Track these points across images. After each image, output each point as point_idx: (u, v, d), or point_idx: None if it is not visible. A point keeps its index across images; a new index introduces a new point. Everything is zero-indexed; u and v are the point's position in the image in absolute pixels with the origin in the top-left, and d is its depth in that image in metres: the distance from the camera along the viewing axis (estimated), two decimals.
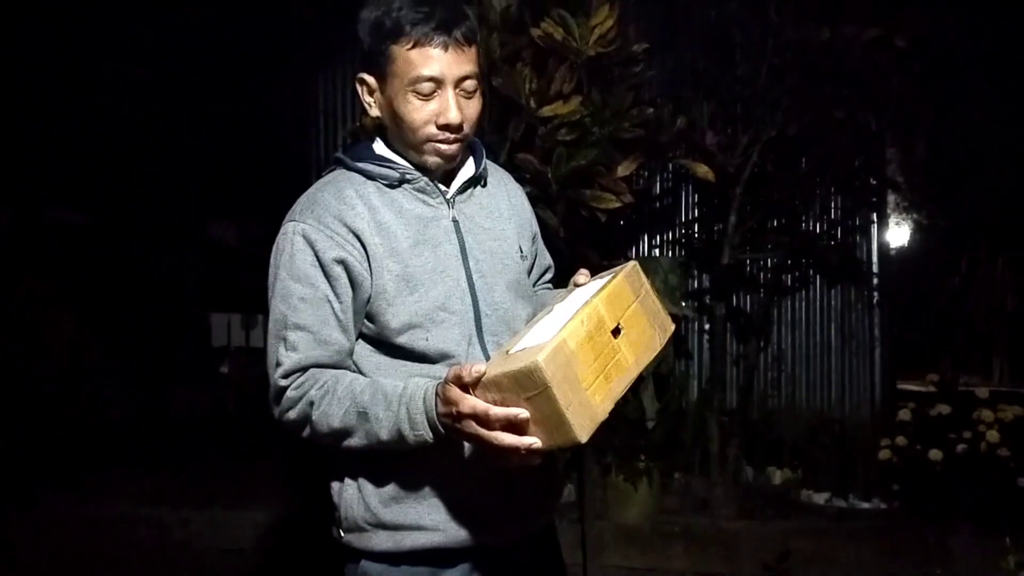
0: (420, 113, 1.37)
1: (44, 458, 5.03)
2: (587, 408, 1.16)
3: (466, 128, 1.40)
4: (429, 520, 1.39)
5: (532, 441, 1.16)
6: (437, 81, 1.35)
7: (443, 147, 1.40)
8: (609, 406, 1.20)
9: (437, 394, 1.24)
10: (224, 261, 6.50)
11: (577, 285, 1.43)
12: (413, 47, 1.34)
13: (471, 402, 1.18)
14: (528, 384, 1.13)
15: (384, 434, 1.30)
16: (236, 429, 5.43)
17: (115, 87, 5.93)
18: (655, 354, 1.32)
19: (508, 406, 1.15)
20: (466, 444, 1.35)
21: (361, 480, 1.41)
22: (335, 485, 1.45)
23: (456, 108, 1.37)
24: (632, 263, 1.37)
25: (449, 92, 1.36)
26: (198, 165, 6.25)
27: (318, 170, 5.79)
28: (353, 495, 1.42)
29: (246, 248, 6.51)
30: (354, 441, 1.33)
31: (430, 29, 1.34)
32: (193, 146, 6.16)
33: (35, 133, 5.89)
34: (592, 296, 1.26)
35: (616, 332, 1.25)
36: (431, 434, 1.27)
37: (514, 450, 1.17)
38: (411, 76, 1.35)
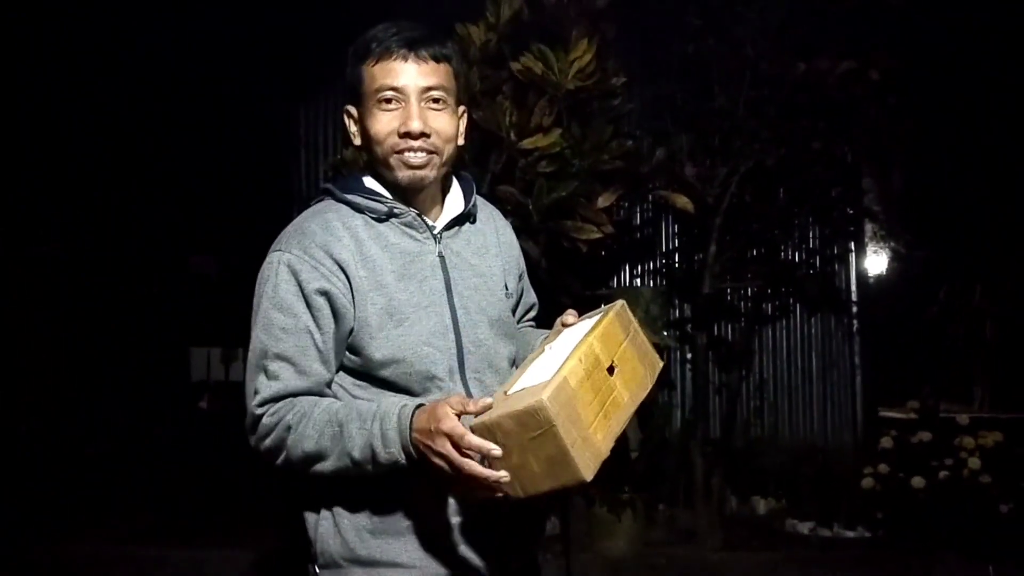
0: (384, 124, 1.39)
1: (19, 495, 4.94)
2: (590, 446, 1.15)
3: (434, 139, 1.40)
4: (406, 556, 1.37)
5: (501, 475, 1.15)
6: (398, 90, 1.38)
7: (408, 156, 1.39)
8: (610, 444, 1.19)
9: (415, 412, 1.24)
10: (204, 294, 6.46)
11: (565, 325, 1.44)
12: (376, 62, 1.38)
13: (453, 423, 1.18)
14: (532, 424, 1.12)
15: (356, 452, 1.28)
16: (215, 465, 5.34)
17: (94, 119, 5.91)
18: (646, 392, 1.33)
19: (511, 448, 1.14)
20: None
21: (338, 513, 1.39)
22: (311, 519, 1.43)
23: (417, 116, 1.38)
24: (620, 302, 1.39)
25: (412, 102, 1.38)
26: (178, 198, 6.23)
27: (299, 203, 5.79)
28: (329, 529, 1.40)
29: (226, 281, 6.47)
30: (327, 464, 1.31)
31: (392, 44, 1.38)
32: (173, 179, 6.15)
33: (14, 165, 5.86)
34: (586, 335, 1.27)
35: (611, 370, 1.26)
36: (402, 454, 1.25)
37: (482, 481, 1.16)
38: (374, 88, 1.38)
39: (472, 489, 1.19)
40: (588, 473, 1.14)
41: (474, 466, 1.16)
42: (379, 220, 1.43)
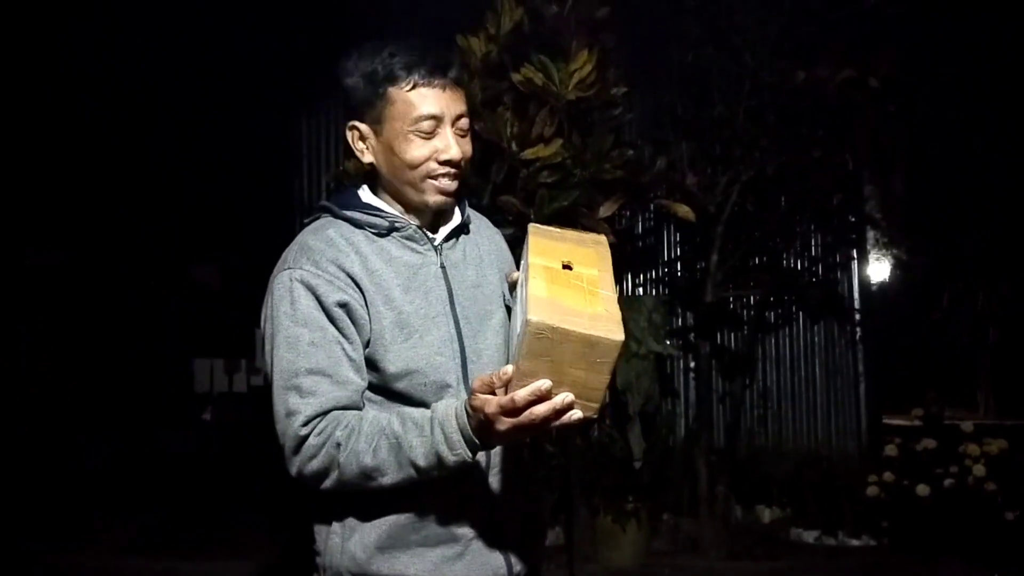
0: (421, 151, 1.39)
1: (22, 507, 4.94)
2: (600, 318, 1.18)
3: (464, 165, 1.43)
4: (414, 570, 1.37)
5: (564, 397, 1.17)
6: (437, 119, 1.39)
7: (445, 183, 1.41)
8: (616, 308, 1.22)
9: (467, 410, 1.25)
10: (207, 306, 6.47)
11: (513, 280, 1.49)
12: (412, 88, 1.38)
13: (495, 400, 1.19)
14: (544, 345, 1.14)
15: (421, 460, 1.28)
16: (219, 477, 5.34)
17: (95, 127, 5.94)
18: (609, 260, 1.37)
19: (550, 380, 1.17)
20: (453, 487, 1.36)
21: (346, 529, 1.39)
22: (320, 533, 1.43)
23: (456, 145, 1.40)
24: (530, 225, 1.45)
25: (448, 130, 1.40)
26: (180, 208, 6.25)
27: (300, 213, 5.77)
28: (337, 544, 1.40)
29: (229, 292, 6.49)
30: (388, 477, 1.30)
31: (427, 71, 1.38)
32: (176, 189, 6.17)
33: (15, 174, 5.88)
34: (525, 265, 1.33)
35: (568, 268, 1.31)
36: (469, 452, 1.26)
37: (554, 415, 1.17)
38: (412, 116, 1.38)
39: (553, 425, 1.20)
40: (618, 334, 1.16)
41: (537, 410, 1.17)
42: (380, 235, 1.43)
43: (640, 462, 4.37)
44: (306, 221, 1.49)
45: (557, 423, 1.19)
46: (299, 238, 1.44)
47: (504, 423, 1.19)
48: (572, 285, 1.26)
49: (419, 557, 1.37)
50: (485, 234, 1.61)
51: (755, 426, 5.03)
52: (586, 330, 1.14)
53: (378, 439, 1.30)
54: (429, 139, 1.39)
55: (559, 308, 1.18)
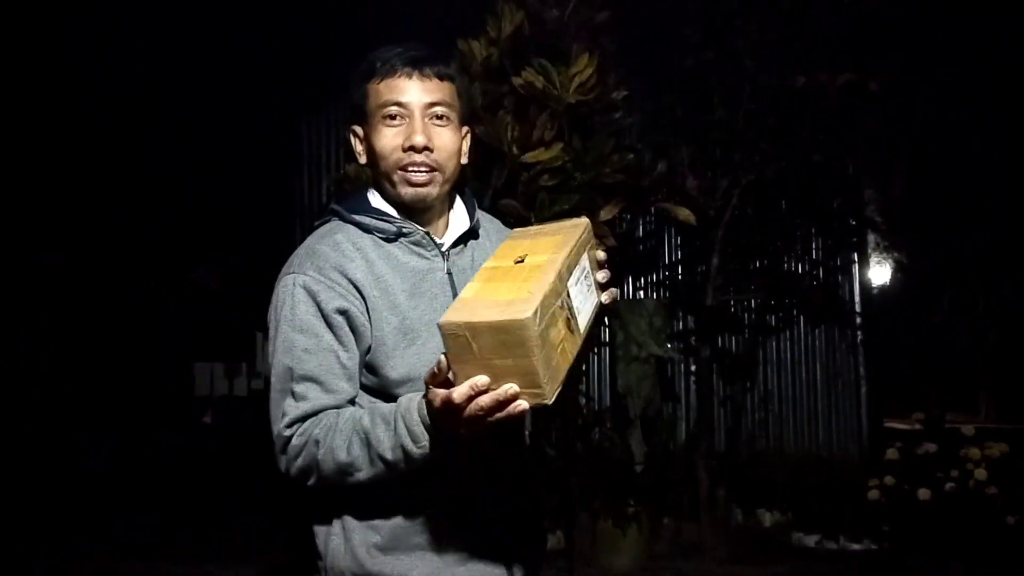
0: (388, 139, 1.40)
1: (21, 505, 4.94)
2: (516, 303, 1.15)
3: (436, 155, 1.41)
4: (416, 572, 1.38)
5: (507, 388, 1.15)
6: (402, 106, 1.40)
7: (412, 174, 1.41)
8: (544, 287, 1.17)
9: (427, 402, 1.25)
10: (208, 309, 6.47)
11: None
12: (382, 80, 1.41)
13: (440, 396, 1.18)
14: (460, 344, 1.13)
15: (388, 454, 1.29)
16: (219, 480, 5.34)
17: (96, 129, 5.94)
18: (573, 242, 1.31)
19: (480, 372, 1.15)
20: (455, 490, 1.37)
21: (348, 529, 1.40)
22: (321, 534, 1.43)
23: (421, 131, 1.40)
24: (508, 232, 1.44)
25: (416, 117, 1.40)
26: (181, 209, 6.25)
27: (302, 217, 5.74)
28: (339, 544, 1.40)
29: (230, 295, 6.49)
30: (362, 474, 1.32)
31: (397, 62, 1.41)
32: (176, 190, 6.17)
33: (16, 175, 5.89)
34: None
35: (519, 261, 1.28)
36: (431, 444, 1.26)
37: (498, 405, 1.16)
38: (379, 103, 1.41)
39: (499, 414, 1.18)
40: (524, 312, 1.12)
41: (481, 403, 1.16)
42: (388, 240, 1.44)
43: (641, 466, 4.36)
44: (316, 224, 1.50)
45: (504, 414, 1.17)
46: (307, 242, 1.45)
47: (451, 418, 1.19)
48: (511, 277, 1.23)
49: (422, 560, 1.38)
50: (496, 238, 1.59)
51: (756, 430, 5.03)
52: (493, 317, 1.12)
53: (351, 435, 1.31)
54: (397, 127, 1.40)
55: (476, 304, 1.16)
